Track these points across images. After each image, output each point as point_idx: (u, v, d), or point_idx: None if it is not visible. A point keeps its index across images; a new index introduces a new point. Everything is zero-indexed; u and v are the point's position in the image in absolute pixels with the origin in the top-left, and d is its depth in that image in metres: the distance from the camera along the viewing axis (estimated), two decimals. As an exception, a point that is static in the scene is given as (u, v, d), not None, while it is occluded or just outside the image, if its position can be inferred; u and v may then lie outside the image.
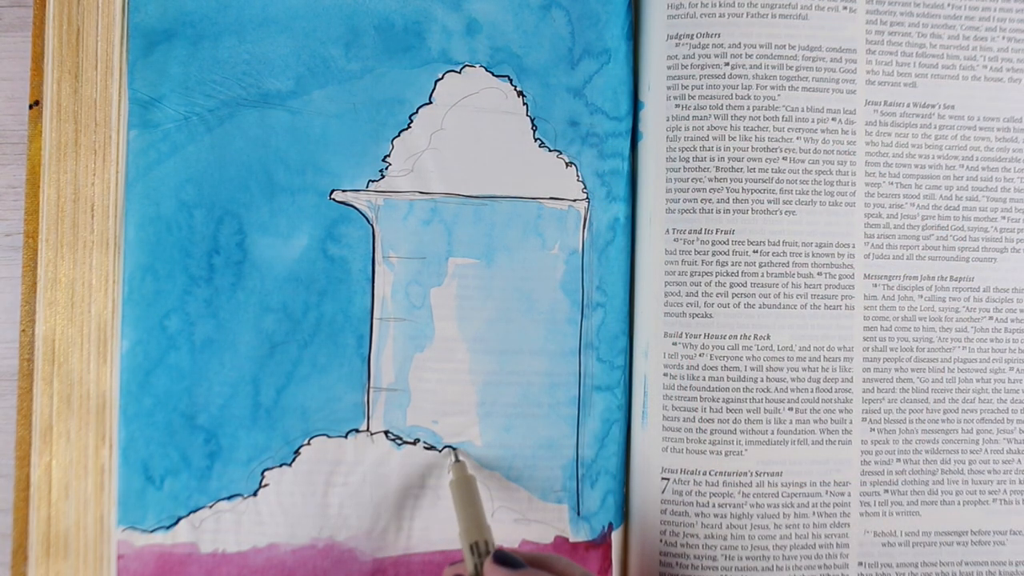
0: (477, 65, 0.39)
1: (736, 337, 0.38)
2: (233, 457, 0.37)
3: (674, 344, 0.38)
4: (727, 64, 0.39)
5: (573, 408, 0.38)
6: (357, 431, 0.38)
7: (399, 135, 0.38)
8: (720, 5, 0.39)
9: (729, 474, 0.38)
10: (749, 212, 0.38)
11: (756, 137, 0.38)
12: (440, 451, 0.38)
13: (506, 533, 0.38)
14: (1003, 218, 0.40)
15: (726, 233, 0.38)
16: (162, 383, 0.37)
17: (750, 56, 0.38)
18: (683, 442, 0.38)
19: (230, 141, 0.37)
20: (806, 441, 0.38)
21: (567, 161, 0.39)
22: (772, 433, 0.38)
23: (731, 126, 0.38)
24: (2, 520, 0.39)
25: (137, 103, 0.37)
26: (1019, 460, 0.39)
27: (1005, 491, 0.39)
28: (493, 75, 0.39)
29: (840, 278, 0.39)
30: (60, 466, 0.36)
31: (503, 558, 0.31)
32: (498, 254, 0.38)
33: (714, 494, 0.38)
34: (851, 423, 0.39)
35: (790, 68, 0.39)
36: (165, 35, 0.37)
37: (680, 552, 0.38)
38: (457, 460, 0.37)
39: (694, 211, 0.39)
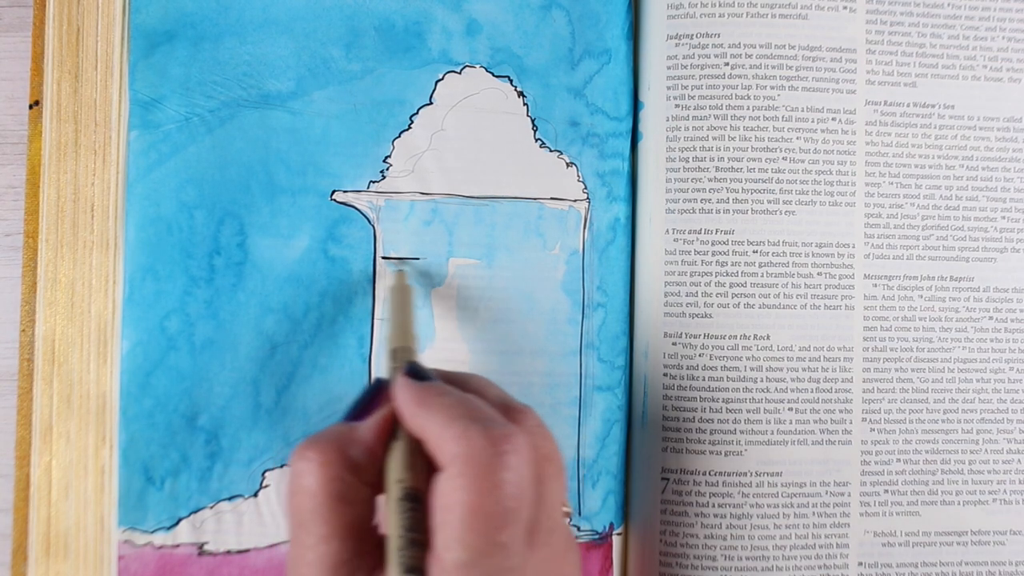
0: (477, 66, 0.39)
1: (736, 337, 0.38)
2: (234, 458, 0.37)
3: (674, 344, 0.38)
4: (727, 64, 0.39)
5: (574, 408, 0.38)
6: (358, 432, 0.37)
7: (400, 136, 0.38)
8: (720, 5, 0.39)
9: (729, 474, 0.38)
10: (749, 212, 0.38)
11: (756, 137, 0.38)
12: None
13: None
14: (1003, 218, 0.40)
15: (726, 233, 0.38)
16: (162, 384, 0.36)
17: (750, 56, 0.38)
18: (683, 442, 0.38)
19: (231, 142, 0.37)
20: (806, 441, 0.38)
21: (568, 161, 0.39)
22: (772, 433, 0.38)
23: (731, 126, 0.38)
24: (2, 520, 0.38)
25: (138, 104, 0.37)
26: (1019, 460, 0.40)
27: (1005, 491, 0.39)
28: (493, 76, 0.39)
29: (840, 278, 0.39)
30: (60, 466, 0.36)
31: (414, 371, 0.30)
32: (499, 254, 0.38)
33: (714, 494, 0.38)
34: (851, 423, 0.39)
35: (790, 68, 0.39)
36: (166, 36, 0.37)
37: (680, 552, 0.38)
38: (399, 270, 0.36)
39: (694, 211, 0.39)
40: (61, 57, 0.37)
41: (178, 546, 0.36)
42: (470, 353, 0.38)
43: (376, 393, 0.30)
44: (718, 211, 0.38)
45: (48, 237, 0.37)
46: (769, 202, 0.38)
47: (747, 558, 0.38)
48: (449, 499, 0.25)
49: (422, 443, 0.27)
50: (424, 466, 0.27)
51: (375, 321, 0.38)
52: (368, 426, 0.28)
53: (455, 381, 0.30)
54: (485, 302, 0.38)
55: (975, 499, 0.39)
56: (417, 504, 0.26)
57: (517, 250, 0.38)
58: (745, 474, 0.38)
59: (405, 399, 0.28)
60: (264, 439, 0.37)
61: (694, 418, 0.38)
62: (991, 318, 0.40)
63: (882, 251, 0.39)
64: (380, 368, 0.38)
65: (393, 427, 0.28)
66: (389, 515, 0.26)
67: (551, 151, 0.39)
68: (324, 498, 0.26)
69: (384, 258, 0.38)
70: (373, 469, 0.28)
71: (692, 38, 0.39)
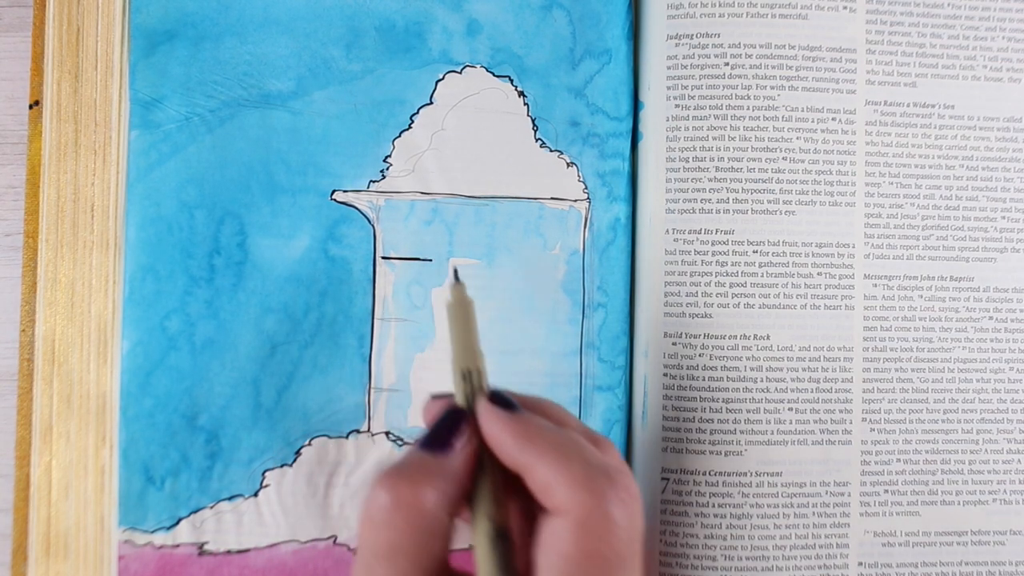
0: (478, 65, 0.39)
1: (736, 337, 0.38)
2: (234, 458, 0.37)
3: (674, 344, 0.38)
4: (727, 64, 0.39)
5: (575, 408, 0.38)
6: (358, 432, 0.38)
7: (400, 135, 0.38)
8: (720, 5, 0.39)
9: (729, 474, 0.38)
10: (749, 212, 0.38)
11: (756, 137, 0.38)
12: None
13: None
14: (1003, 218, 0.40)
15: (726, 233, 0.38)
16: (163, 384, 0.37)
17: (750, 56, 0.38)
18: (683, 442, 0.38)
19: (231, 142, 0.37)
20: (806, 441, 0.38)
21: (568, 161, 0.39)
22: (772, 433, 0.38)
23: (731, 126, 0.38)
24: (2, 520, 0.38)
25: (139, 103, 0.37)
26: (1019, 460, 0.40)
27: (1005, 491, 0.39)
28: (494, 75, 0.39)
29: (840, 278, 0.39)
30: (60, 466, 0.36)
31: (499, 398, 0.28)
32: (499, 254, 0.38)
33: (714, 494, 0.38)
34: (851, 423, 0.39)
35: (790, 68, 0.39)
36: (167, 36, 0.37)
37: (680, 552, 0.38)
38: (457, 280, 0.32)
39: (694, 211, 0.39)
40: (61, 57, 0.37)
41: (178, 546, 0.36)
42: (470, 353, 0.38)
43: (456, 421, 0.28)
44: (718, 211, 0.38)
45: (48, 237, 0.37)
46: (769, 202, 0.38)
47: (747, 558, 0.38)
48: (563, 544, 0.25)
49: (519, 478, 0.27)
50: (505, 499, 0.27)
51: (375, 321, 0.38)
52: (458, 460, 0.27)
53: (530, 406, 0.29)
54: (485, 302, 0.38)
55: (975, 499, 0.39)
56: (507, 541, 0.26)
57: (517, 250, 0.38)
58: (745, 474, 0.38)
59: (502, 433, 0.27)
60: (264, 439, 0.37)
61: (694, 418, 0.38)
62: (991, 318, 0.40)
63: (882, 251, 0.39)
64: (379, 369, 0.38)
65: (480, 459, 0.27)
66: (480, 552, 0.26)
67: (551, 151, 0.39)
68: (411, 533, 0.25)
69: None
70: (460, 503, 0.27)
71: (692, 38, 0.39)
